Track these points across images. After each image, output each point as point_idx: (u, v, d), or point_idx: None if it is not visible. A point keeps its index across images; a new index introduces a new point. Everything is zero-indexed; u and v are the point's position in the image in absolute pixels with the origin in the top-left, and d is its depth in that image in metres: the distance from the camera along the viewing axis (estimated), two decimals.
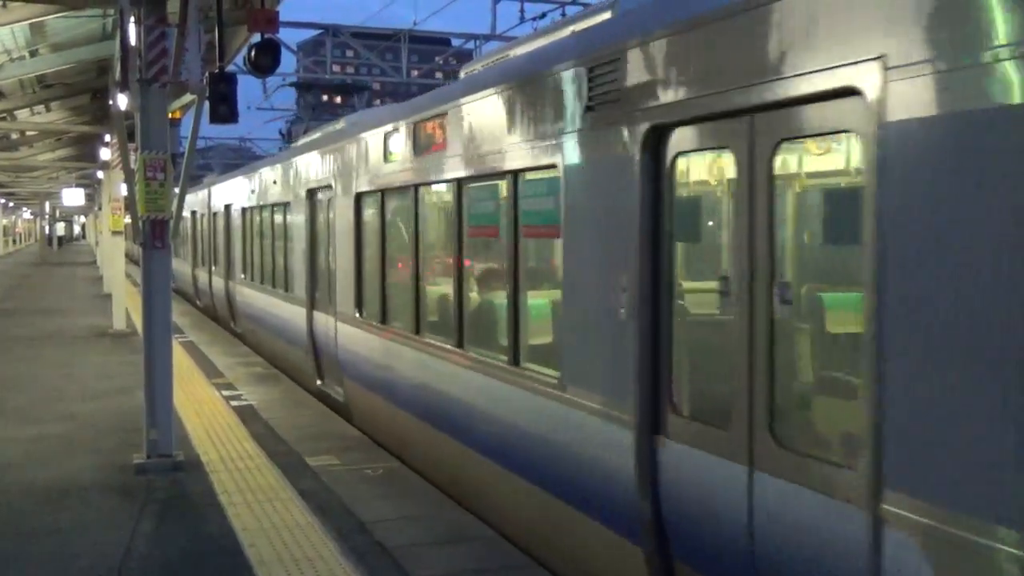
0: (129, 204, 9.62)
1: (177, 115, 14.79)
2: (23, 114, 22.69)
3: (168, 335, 9.06)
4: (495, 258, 7.79)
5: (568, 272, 6.12)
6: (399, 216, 9.74)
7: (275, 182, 15.73)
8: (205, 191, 24.98)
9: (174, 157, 10.22)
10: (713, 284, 5.02)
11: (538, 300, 7.18)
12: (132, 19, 8.54)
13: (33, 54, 16.17)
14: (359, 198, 10.78)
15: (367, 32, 29.43)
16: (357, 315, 10.82)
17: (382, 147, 9.80)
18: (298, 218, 13.90)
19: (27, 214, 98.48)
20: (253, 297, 17.85)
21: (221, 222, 21.88)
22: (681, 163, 5.21)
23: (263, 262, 16.98)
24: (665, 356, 5.24)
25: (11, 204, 72.36)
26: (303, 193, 13.43)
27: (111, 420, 10.90)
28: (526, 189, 6.88)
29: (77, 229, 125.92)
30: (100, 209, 31.14)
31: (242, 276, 19.06)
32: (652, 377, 5.29)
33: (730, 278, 4.70)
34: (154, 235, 8.87)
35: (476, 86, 7.64)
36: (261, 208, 17.21)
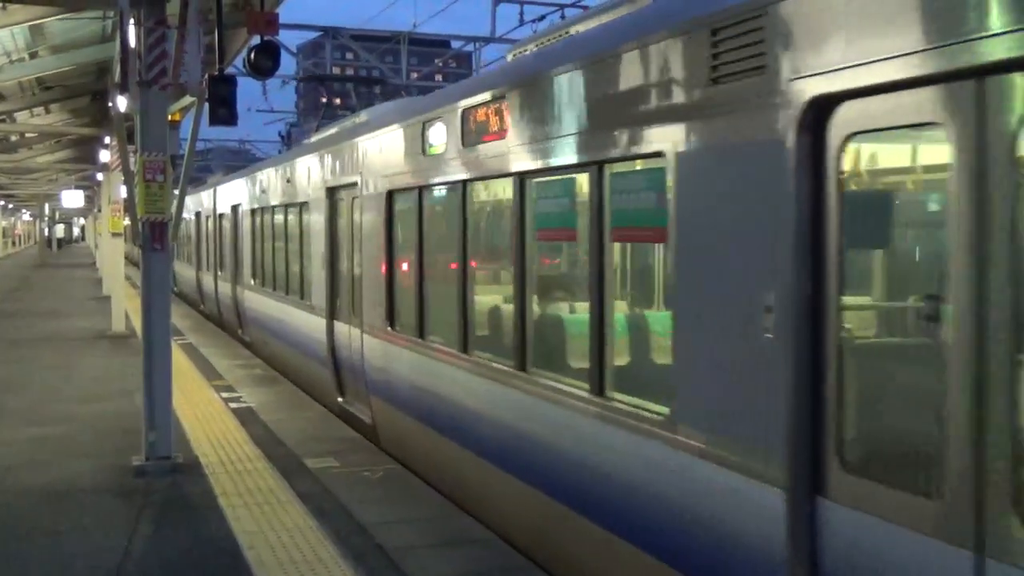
0: (128, 206, 9.62)
1: (177, 117, 14.78)
2: (23, 116, 22.71)
3: (167, 337, 9.05)
4: (572, 265, 6.99)
5: (682, 285, 4.90)
6: (442, 217, 8.67)
7: (289, 181, 14.57)
8: (210, 191, 23.95)
9: (173, 159, 10.21)
10: (910, 303, 4.03)
11: (633, 316, 6.30)
12: (132, 21, 8.54)
13: (33, 56, 16.18)
14: (391, 196, 9.62)
15: (367, 34, 29.46)
16: (388, 328, 9.64)
17: (420, 139, 8.68)
18: (316, 219, 12.74)
19: (26, 216, 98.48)
20: (264, 304, 16.63)
21: (228, 224, 20.74)
22: (857, 147, 4.01)
23: (275, 267, 15.86)
24: (832, 393, 4.01)
25: (10, 206, 72.37)
26: (322, 192, 12.32)
27: (110, 422, 10.89)
28: (617, 183, 5.72)
29: (76, 231, 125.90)
30: (99, 211, 31.14)
31: (251, 281, 17.85)
32: (811, 419, 4.07)
33: (944, 296, 3.53)
34: (153, 237, 8.86)
35: (548, 64, 6.46)
36: (273, 209, 16.04)
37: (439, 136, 8.28)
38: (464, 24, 29.46)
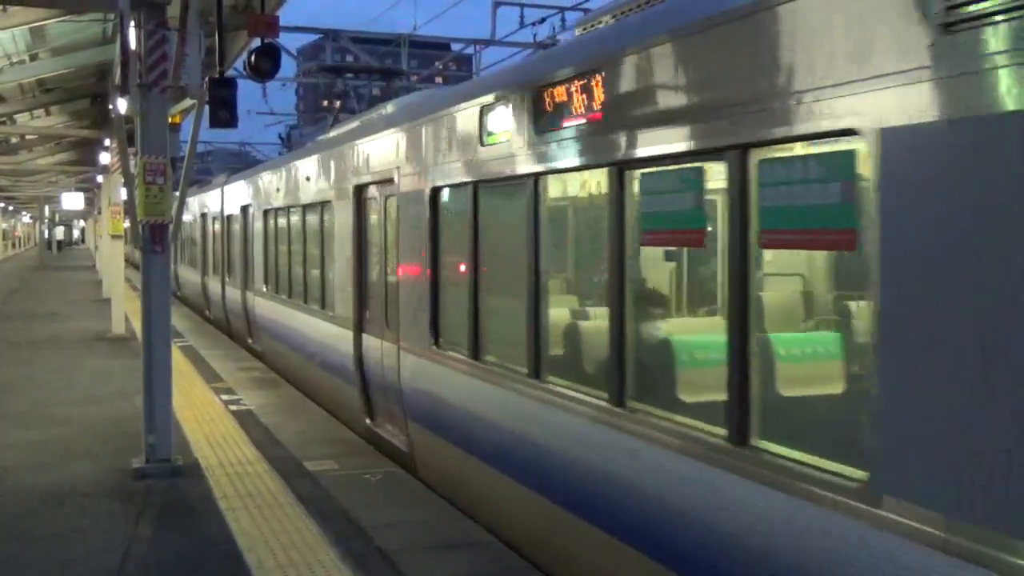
0: (129, 208, 9.62)
1: (177, 119, 14.79)
2: (23, 118, 22.71)
3: (167, 339, 9.05)
4: (695, 276, 6.03)
5: (895, 309, 3.63)
6: (504, 217, 7.42)
7: (308, 178, 13.15)
8: (217, 192, 22.57)
9: (174, 161, 10.23)
10: None
11: (791, 343, 5.11)
12: (132, 24, 8.55)
13: (33, 58, 16.19)
14: (435, 194, 8.41)
15: (367, 36, 29.45)
16: (433, 345, 8.46)
17: (476, 126, 7.42)
18: (341, 220, 11.39)
19: (26, 218, 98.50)
20: (277, 313, 15.26)
21: (237, 225, 19.42)
22: None
23: (291, 273, 14.53)
24: None
25: (10, 208, 72.39)
26: (349, 190, 10.99)
27: (110, 424, 10.89)
28: (772, 173, 4.42)
29: (76, 233, 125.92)
30: (99, 213, 31.17)
31: (264, 287, 16.51)
32: None
33: None
34: (153, 239, 8.86)
35: (666, 25, 5.16)
36: (289, 210, 14.68)
37: (502, 122, 7.05)
38: (464, 26, 29.47)
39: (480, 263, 7.62)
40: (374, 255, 10.44)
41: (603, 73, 5.68)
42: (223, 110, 9.44)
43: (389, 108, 11.37)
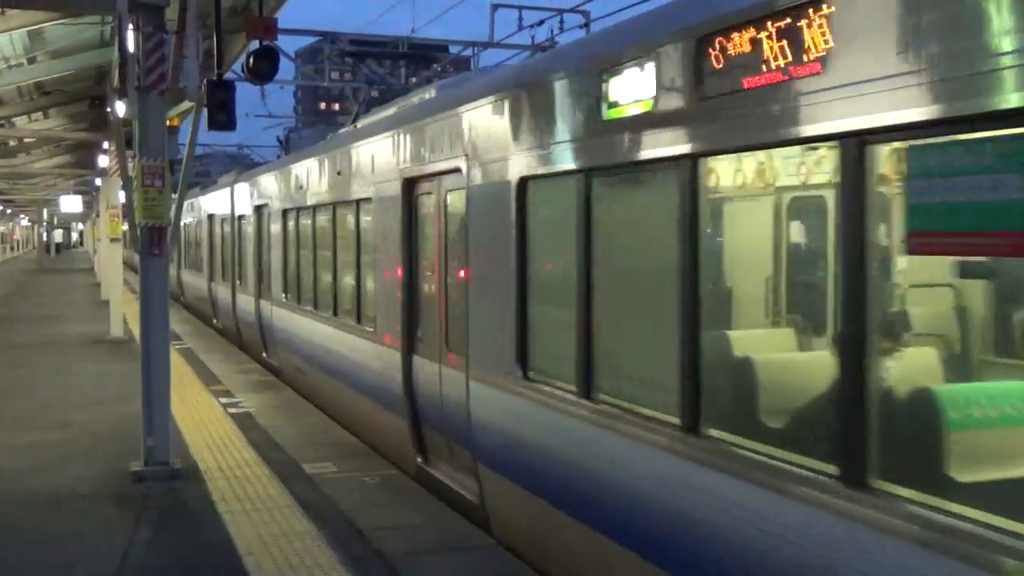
0: (127, 211, 9.62)
1: (175, 122, 14.80)
2: (21, 121, 22.70)
3: (166, 342, 9.04)
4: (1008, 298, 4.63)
5: None
6: (639, 212, 5.82)
7: (340, 173, 11.31)
8: (225, 191, 20.87)
9: (172, 164, 10.23)
10: None
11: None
12: (130, 26, 8.54)
13: (31, 61, 16.18)
14: (524, 187, 6.69)
15: (365, 39, 29.43)
16: (519, 374, 6.70)
17: (592, 97, 5.75)
18: (385, 220, 9.61)
19: (25, 221, 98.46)
20: (299, 326, 13.53)
21: (250, 227, 17.61)
22: None
23: (317, 281, 12.78)
24: None
25: (9, 211, 72.35)
26: (396, 185, 9.19)
27: (108, 428, 10.87)
28: None
29: (75, 236, 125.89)
30: (98, 216, 31.14)
31: (283, 297, 14.70)
32: None
33: None
34: (152, 242, 8.85)
35: None
36: (315, 208, 12.79)
37: (636, 88, 5.31)
38: (462, 29, 29.51)
39: (596, 273, 5.84)
40: (430, 261, 8.64)
41: (826, 5, 3.94)
42: (221, 113, 9.45)
43: (431, 92, 9.91)
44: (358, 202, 10.65)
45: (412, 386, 8.94)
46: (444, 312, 8.26)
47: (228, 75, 14.76)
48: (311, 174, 12.99)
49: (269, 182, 16.09)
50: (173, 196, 9.25)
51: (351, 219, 11.01)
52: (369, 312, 10.30)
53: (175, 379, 9.91)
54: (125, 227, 18.78)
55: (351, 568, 6.40)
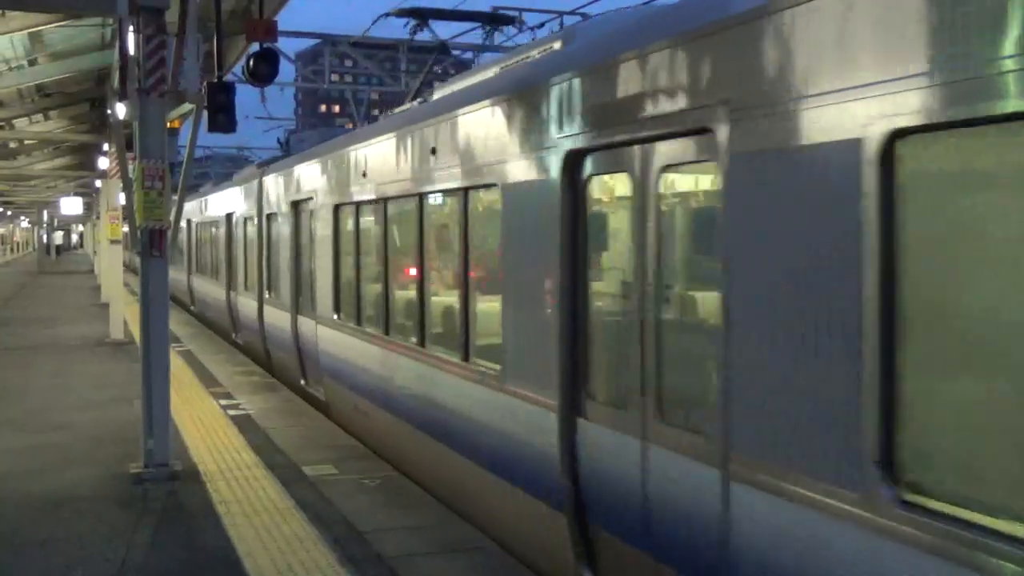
0: (127, 213, 9.63)
1: (175, 124, 14.81)
2: (22, 123, 22.72)
3: (166, 344, 9.04)
4: None
5: None
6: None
7: (434, 151, 8.25)
8: (251, 184, 17.69)
9: (172, 166, 10.23)
10: None
11: None
12: (131, 29, 8.55)
13: (32, 63, 16.20)
14: (892, 150, 3.60)
15: (366, 41, 29.44)
16: (887, 495, 3.58)
17: None
18: (521, 217, 6.69)
19: (25, 223, 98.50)
20: (361, 355, 10.49)
21: (284, 229, 14.55)
22: None
23: (392, 296, 9.67)
24: None
25: (9, 213, 72.38)
26: (550, 163, 6.26)
27: (108, 430, 10.87)
28: None
29: (75, 238, 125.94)
30: (98, 218, 31.15)
31: (333, 315, 11.60)
32: None
33: None
34: (152, 244, 8.86)
35: None
36: (388, 202, 9.64)
37: None
38: (461, 31, 29.50)
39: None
40: (622, 272, 5.73)
41: None
42: (221, 114, 9.46)
43: (556, 45, 7.31)
44: (467, 190, 7.70)
45: (576, 464, 5.99)
46: (654, 354, 5.25)
47: (228, 77, 14.78)
48: (380, 157, 9.83)
49: (313, 172, 12.90)
50: (173, 198, 9.26)
51: (453, 214, 8.12)
52: (484, 343, 7.47)
53: (175, 381, 9.91)
54: (125, 229, 18.75)
55: (350, 570, 6.40)
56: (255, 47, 10.26)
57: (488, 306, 7.53)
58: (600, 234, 6.13)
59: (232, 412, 11.97)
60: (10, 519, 7.67)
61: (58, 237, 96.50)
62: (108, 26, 13.22)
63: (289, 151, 27.25)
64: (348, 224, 11.35)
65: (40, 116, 22.27)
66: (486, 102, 7.31)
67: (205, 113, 9.44)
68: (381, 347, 9.85)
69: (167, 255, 8.96)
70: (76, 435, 10.68)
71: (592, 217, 6.12)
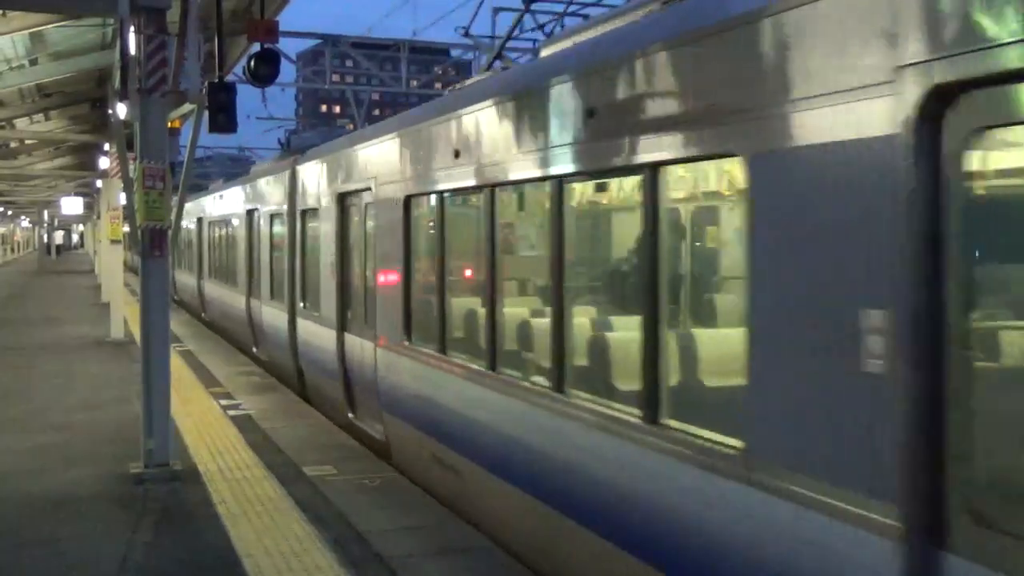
0: (128, 213, 9.63)
1: (176, 124, 14.82)
2: (22, 123, 22.73)
3: (166, 344, 9.04)
4: None
5: None
6: None
7: (592, 113, 5.67)
8: (281, 176, 14.98)
9: (173, 166, 10.24)
10: None
11: None
12: (132, 29, 8.56)
13: (33, 63, 16.21)
14: None
15: (367, 42, 29.48)
16: None
17: None
18: (815, 203, 3.90)
19: (25, 222, 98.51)
20: (451, 393, 8.02)
21: (326, 228, 12.15)
22: None
23: (497, 321, 7.23)
24: None
25: (10, 212, 72.39)
26: (908, 108, 3.40)
27: (109, 430, 10.87)
28: None
29: (76, 238, 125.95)
30: (99, 218, 31.15)
31: (403, 338, 9.08)
32: None
33: None
34: (153, 244, 8.86)
35: None
36: (496, 189, 7.15)
37: None
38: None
39: None
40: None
41: None
42: (222, 115, 9.48)
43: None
44: (657, 167, 5.11)
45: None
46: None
47: (229, 77, 14.78)
48: (487, 130, 7.27)
49: (371, 155, 10.22)
50: (174, 198, 9.27)
51: (626, 203, 6.16)
52: (693, 397, 5.46)
53: (175, 381, 9.91)
54: (126, 229, 18.71)
55: (350, 570, 6.40)
56: (256, 47, 10.28)
57: (706, 336, 5.53)
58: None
59: (232, 412, 11.97)
60: (10, 519, 7.67)
61: (58, 237, 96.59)
62: (109, 26, 13.23)
63: (289, 152, 27.16)
64: (427, 221, 8.92)
65: (41, 116, 22.29)
66: (670, 45, 4.92)
67: (206, 113, 9.44)
68: (484, 386, 7.30)
69: (168, 255, 8.97)
70: (76, 435, 10.68)
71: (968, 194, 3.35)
